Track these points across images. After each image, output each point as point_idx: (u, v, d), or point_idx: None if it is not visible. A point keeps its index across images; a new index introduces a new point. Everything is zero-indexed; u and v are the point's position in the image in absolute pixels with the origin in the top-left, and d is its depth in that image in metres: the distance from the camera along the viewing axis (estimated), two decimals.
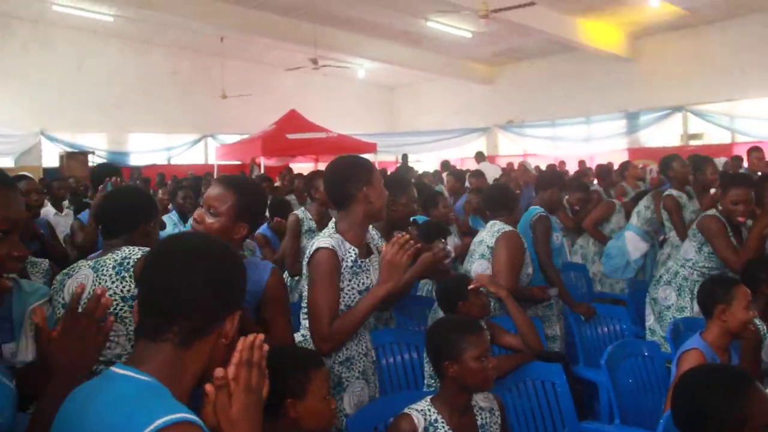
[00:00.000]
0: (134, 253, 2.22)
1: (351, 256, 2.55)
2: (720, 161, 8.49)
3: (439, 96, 22.23)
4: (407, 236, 2.46)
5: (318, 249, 2.51)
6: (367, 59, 19.24)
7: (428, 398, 2.33)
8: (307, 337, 2.58)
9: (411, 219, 4.00)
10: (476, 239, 4.12)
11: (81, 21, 16.60)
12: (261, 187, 3.12)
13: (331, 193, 2.69)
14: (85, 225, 4.45)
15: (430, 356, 2.48)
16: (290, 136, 15.25)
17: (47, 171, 16.31)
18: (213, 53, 18.97)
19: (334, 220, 2.67)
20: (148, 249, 2.21)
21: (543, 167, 13.16)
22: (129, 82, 18.41)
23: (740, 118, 15.11)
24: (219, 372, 1.24)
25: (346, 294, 2.55)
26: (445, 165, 13.19)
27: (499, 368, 2.96)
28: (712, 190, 5.38)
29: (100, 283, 2.17)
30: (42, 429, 1.41)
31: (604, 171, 8.23)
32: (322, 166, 16.34)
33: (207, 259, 1.34)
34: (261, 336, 1.32)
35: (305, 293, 2.60)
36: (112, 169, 5.16)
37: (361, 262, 2.59)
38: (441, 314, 3.34)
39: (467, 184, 8.32)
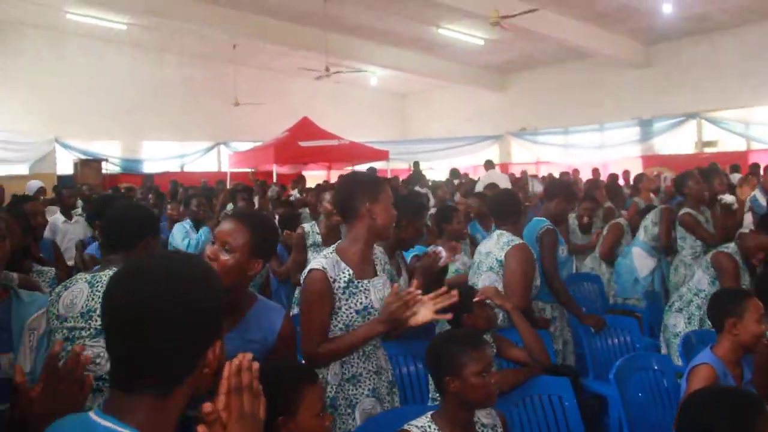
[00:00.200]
0: None
1: (345, 276, 2.53)
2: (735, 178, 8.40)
3: (451, 103, 22.22)
4: (414, 292, 2.42)
5: (310, 270, 2.53)
6: (378, 66, 19.26)
7: (429, 414, 2.27)
8: None
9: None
10: (482, 250, 4.02)
11: (95, 29, 16.75)
12: (274, 221, 3.11)
13: (338, 206, 2.74)
14: None
15: (431, 371, 2.43)
16: (303, 144, 15.23)
17: (61, 178, 16.38)
18: (225, 61, 19.08)
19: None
20: None
21: (556, 175, 13.13)
22: (142, 89, 18.57)
23: (755, 125, 14.93)
24: (207, 407, 1.16)
25: (344, 313, 2.53)
26: (454, 173, 13.16)
27: (505, 382, 2.92)
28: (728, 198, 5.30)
29: (94, 298, 2.16)
30: None
31: (614, 190, 8.07)
32: (334, 174, 16.40)
33: (177, 298, 1.19)
34: (248, 356, 1.25)
35: None
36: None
37: (358, 282, 2.56)
38: (448, 326, 3.29)
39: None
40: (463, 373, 2.21)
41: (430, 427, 2.21)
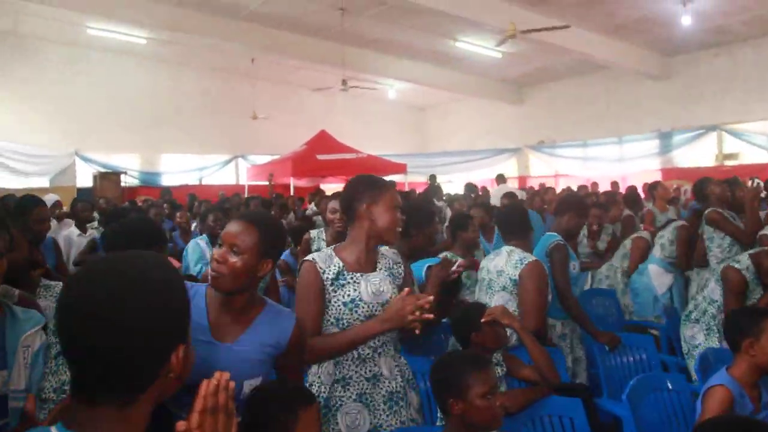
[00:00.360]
0: None
1: (335, 268, 2.54)
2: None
3: (469, 116, 22.18)
4: (428, 299, 2.40)
5: (302, 263, 2.60)
6: (395, 79, 19.30)
7: None
8: None
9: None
10: (490, 267, 3.89)
11: (115, 44, 16.91)
12: (280, 220, 3.09)
13: (341, 207, 2.78)
14: None
15: (435, 392, 2.37)
16: (320, 157, 15.28)
17: (81, 191, 16.51)
18: (244, 74, 19.21)
19: None
20: None
21: (574, 188, 13.02)
22: (161, 103, 18.72)
23: None
24: (180, 426, 1.14)
25: (333, 306, 2.52)
26: (469, 187, 13.08)
27: (514, 403, 2.86)
28: None
29: None
30: None
31: (633, 199, 7.97)
32: None
33: (132, 304, 1.12)
34: (226, 375, 1.22)
35: None
36: None
37: (349, 274, 2.55)
38: (459, 345, 3.23)
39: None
40: (468, 394, 2.16)
41: None
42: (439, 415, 3.05)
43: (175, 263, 5.63)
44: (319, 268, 2.53)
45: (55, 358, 2.32)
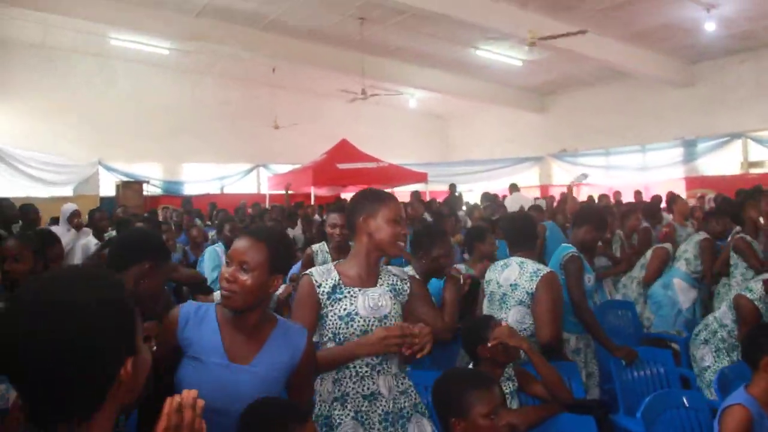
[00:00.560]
0: None
1: (331, 282, 2.53)
2: None
3: (491, 125, 22.09)
4: (414, 331, 2.34)
5: (301, 276, 2.61)
6: (416, 88, 19.30)
7: None
8: None
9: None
10: (502, 280, 3.75)
11: (138, 54, 17.11)
12: (287, 233, 3.07)
13: (345, 221, 2.83)
14: None
15: (437, 411, 2.31)
16: (341, 166, 15.25)
17: (104, 200, 16.69)
18: (264, 84, 19.30)
19: None
20: None
21: (596, 197, 12.87)
22: (183, 112, 18.88)
23: None
24: None
25: (329, 319, 2.50)
26: (485, 196, 13.00)
27: (524, 420, 2.78)
28: None
29: None
30: None
31: (652, 210, 7.83)
32: None
33: (63, 330, 1.08)
34: (193, 393, 1.20)
35: None
36: None
37: (346, 288, 2.52)
38: (469, 359, 3.16)
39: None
40: (470, 414, 2.10)
41: None
42: None
43: (185, 272, 5.64)
44: (315, 282, 2.52)
45: None
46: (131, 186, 17.42)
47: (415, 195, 12.52)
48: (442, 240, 3.68)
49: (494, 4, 12.20)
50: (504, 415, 2.17)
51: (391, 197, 2.65)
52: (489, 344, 2.87)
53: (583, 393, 3.67)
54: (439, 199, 14.57)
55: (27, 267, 3.15)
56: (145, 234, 2.80)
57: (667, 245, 6.34)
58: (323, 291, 2.50)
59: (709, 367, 3.96)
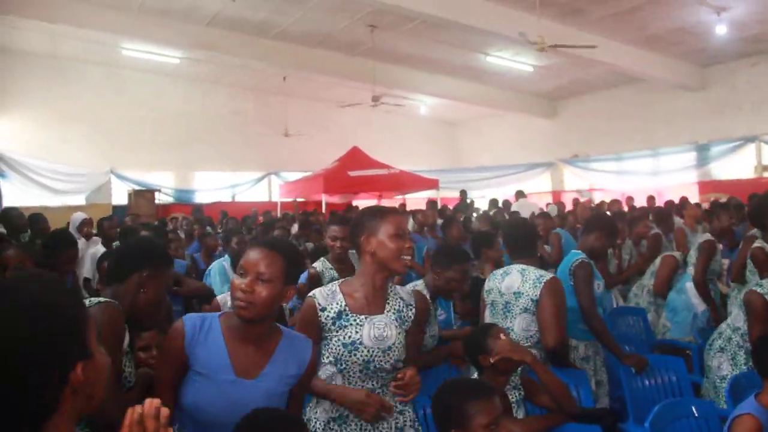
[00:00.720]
0: (92, 305, 2.10)
1: (336, 307, 2.48)
2: None
3: (502, 131, 22.04)
4: (391, 409, 2.41)
5: (306, 297, 2.57)
6: (427, 95, 19.28)
7: None
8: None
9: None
10: (504, 289, 3.68)
11: (149, 64, 17.20)
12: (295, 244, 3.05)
13: (346, 234, 2.78)
14: None
15: (436, 422, 2.28)
16: (352, 173, 15.23)
17: (116, 208, 16.78)
18: (275, 92, 19.37)
19: None
20: (105, 301, 2.10)
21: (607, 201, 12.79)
22: (194, 121, 18.97)
23: None
24: None
25: (333, 345, 2.46)
26: (493, 203, 12.96)
27: (529, 431, 2.74)
28: None
29: None
30: None
31: (663, 215, 7.74)
32: (385, 203, 16.34)
33: (8, 328, 1.05)
34: (156, 402, 1.14)
35: None
36: None
37: (352, 315, 2.47)
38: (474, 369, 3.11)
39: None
40: (470, 425, 2.06)
41: None
42: None
43: (192, 284, 5.63)
44: (318, 305, 2.48)
45: None
46: (143, 195, 17.53)
47: (432, 205, 12.49)
48: (461, 265, 3.64)
49: (504, 9, 12.17)
50: (505, 425, 2.13)
51: (391, 211, 2.60)
52: (491, 360, 2.81)
53: (593, 402, 3.62)
54: (450, 206, 14.55)
55: None
56: (143, 242, 2.79)
57: (676, 253, 6.27)
58: (328, 316, 2.47)
59: (726, 376, 3.85)
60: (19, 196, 15.66)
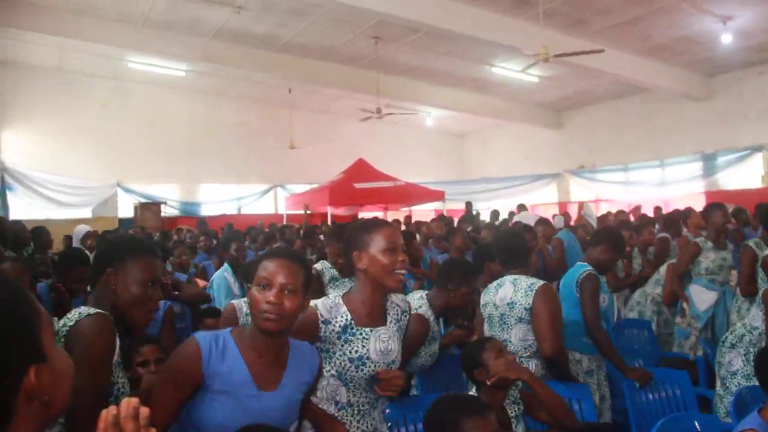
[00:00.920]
0: (73, 317, 2.03)
1: (342, 321, 2.43)
2: None
3: (508, 142, 22.03)
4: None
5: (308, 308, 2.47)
6: (432, 107, 19.29)
7: None
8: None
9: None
10: (498, 301, 3.65)
11: (154, 77, 17.29)
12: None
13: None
14: None
15: None
16: (357, 186, 15.24)
17: (122, 221, 16.84)
18: (281, 104, 19.41)
19: None
20: (96, 312, 2.03)
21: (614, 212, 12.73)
22: (200, 134, 19.04)
23: None
24: None
25: (338, 359, 2.42)
26: (494, 214, 12.91)
27: None
28: None
29: None
30: None
31: (671, 220, 7.70)
32: (391, 216, 16.33)
33: None
34: (134, 402, 1.07)
35: None
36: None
37: (357, 329, 2.43)
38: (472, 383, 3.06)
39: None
40: None
41: None
42: None
43: (201, 283, 5.61)
44: (320, 317, 2.42)
45: None
46: (149, 207, 17.57)
47: (442, 219, 12.45)
48: (477, 279, 3.61)
49: (508, 21, 12.16)
50: None
51: (382, 224, 2.54)
52: (489, 382, 2.74)
53: (595, 417, 3.56)
54: (456, 218, 14.51)
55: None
56: (105, 240, 2.73)
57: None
58: (332, 330, 2.42)
59: (737, 371, 3.82)
60: (26, 209, 15.73)
